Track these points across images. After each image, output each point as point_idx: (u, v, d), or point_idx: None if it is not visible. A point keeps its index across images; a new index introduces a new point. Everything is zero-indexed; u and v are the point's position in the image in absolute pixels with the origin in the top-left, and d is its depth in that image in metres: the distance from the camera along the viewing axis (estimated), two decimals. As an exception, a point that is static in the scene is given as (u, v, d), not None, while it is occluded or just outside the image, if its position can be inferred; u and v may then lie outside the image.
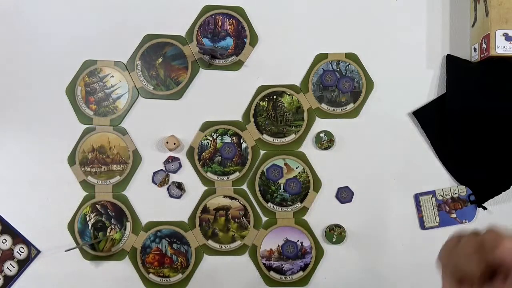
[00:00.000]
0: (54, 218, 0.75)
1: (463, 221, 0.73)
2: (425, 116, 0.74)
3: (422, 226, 0.73)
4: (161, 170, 0.75)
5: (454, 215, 0.73)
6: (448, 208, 0.73)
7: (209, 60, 0.77)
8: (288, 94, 0.76)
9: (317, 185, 0.74)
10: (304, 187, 0.74)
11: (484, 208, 0.73)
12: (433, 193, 0.74)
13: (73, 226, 0.75)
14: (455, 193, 0.73)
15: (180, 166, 0.75)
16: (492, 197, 0.72)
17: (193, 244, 0.74)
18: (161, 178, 0.75)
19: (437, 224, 0.73)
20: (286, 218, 0.74)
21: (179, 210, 0.75)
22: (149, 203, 0.75)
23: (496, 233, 0.37)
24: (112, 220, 0.75)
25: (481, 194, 0.73)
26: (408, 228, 0.74)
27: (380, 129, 0.75)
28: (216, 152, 0.75)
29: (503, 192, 0.72)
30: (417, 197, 0.74)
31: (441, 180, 0.74)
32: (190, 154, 0.75)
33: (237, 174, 0.75)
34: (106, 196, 0.75)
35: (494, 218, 0.73)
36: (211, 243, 0.74)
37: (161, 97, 0.76)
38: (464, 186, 0.73)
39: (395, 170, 0.74)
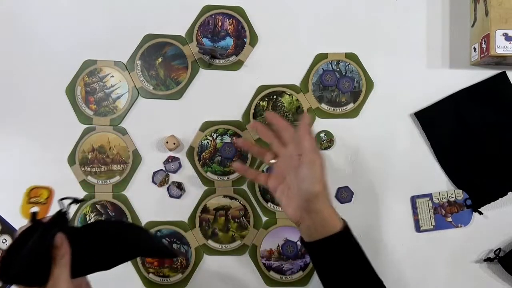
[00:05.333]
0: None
1: (459, 225, 0.73)
2: (427, 118, 0.74)
3: (418, 228, 0.73)
4: (161, 170, 0.75)
5: (449, 219, 0.73)
6: (444, 211, 0.73)
7: (209, 60, 0.77)
8: (288, 94, 0.76)
9: (317, 185, 0.74)
10: (304, 187, 0.74)
11: (480, 213, 0.72)
12: (429, 196, 0.73)
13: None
14: (452, 197, 0.73)
15: (180, 166, 0.75)
16: (489, 202, 0.73)
17: (193, 244, 0.74)
18: (161, 178, 0.75)
19: (432, 227, 0.73)
20: (286, 218, 0.74)
21: (179, 210, 0.75)
22: (149, 203, 0.75)
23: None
24: (112, 220, 0.75)
25: (478, 199, 0.73)
26: (403, 230, 0.74)
27: (380, 129, 0.75)
28: (216, 152, 0.75)
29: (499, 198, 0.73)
30: (413, 200, 0.73)
31: (438, 183, 0.74)
32: (190, 154, 0.75)
33: (237, 174, 0.75)
34: (106, 196, 0.75)
35: (490, 223, 0.73)
36: (211, 243, 0.74)
37: (161, 97, 0.76)
38: (460, 190, 0.73)
39: (393, 171, 0.74)
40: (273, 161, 0.61)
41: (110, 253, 0.50)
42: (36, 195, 0.71)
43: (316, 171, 0.53)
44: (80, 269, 0.47)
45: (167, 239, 0.74)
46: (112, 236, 0.50)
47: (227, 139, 0.75)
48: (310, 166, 0.53)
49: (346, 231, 0.56)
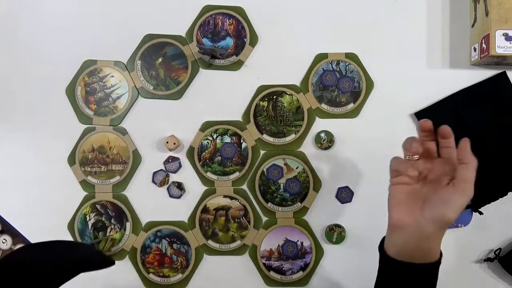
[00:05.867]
0: (54, 218, 0.75)
1: (459, 225, 0.73)
2: (427, 118, 0.73)
3: (419, 228, 0.73)
4: (161, 170, 0.75)
5: None
6: None
7: (209, 60, 0.77)
8: (288, 94, 0.76)
9: (317, 185, 0.74)
10: (304, 187, 0.74)
11: (480, 213, 0.72)
12: (430, 195, 0.73)
13: (73, 226, 0.75)
14: None
15: (180, 166, 0.75)
16: (489, 202, 0.72)
17: (193, 244, 0.74)
18: (161, 178, 0.75)
19: None
20: (286, 218, 0.74)
21: (179, 210, 0.75)
22: (149, 203, 0.75)
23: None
24: (112, 220, 0.75)
25: (478, 199, 0.72)
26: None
27: (380, 129, 0.75)
28: (216, 152, 0.75)
29: (499, 198, 0.73)
30: (415, 198, 0.73)
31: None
32: (190, 154, 0.75)
33: (237, 174, 0.75)
34: (106, 196, 0.75)
35: (490, 223, 0.73)
36: (211, 243, 0.74)
37: (161, 97, 0.76)
38: (461, 190, 0.73)
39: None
40: (416, 157, 0.53)
41: (45, 276, 0.50)
42: None
43: (463, 203, 0.49)
44: None
45: (167, 239, 0.74)
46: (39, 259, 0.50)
47: (227, 139, 0.75)
48: (461, 195, 0.48)
49: (439, 262, 0.51)
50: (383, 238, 0.55)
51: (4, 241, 0.75)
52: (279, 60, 0.76)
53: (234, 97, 0.76)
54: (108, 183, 0.75)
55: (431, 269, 0.50)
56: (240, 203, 0.75)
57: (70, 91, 0.76)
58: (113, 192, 0.75)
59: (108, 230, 0.75)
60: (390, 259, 0.51)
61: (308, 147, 0.75)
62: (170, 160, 0.75)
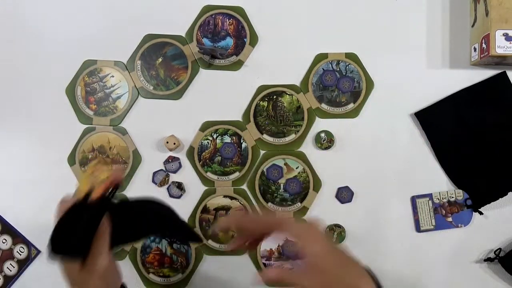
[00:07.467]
0: (54, 218, 0.75)
1: (459, 225, 0.73)
2: (427, 118, 0.74)
3: (418, 228, 0.73)
4: (161, 170, 0.75)
5: (450, 219, 0.73)
6: (444, 211, 0.73)
7: (209, 60, 0.77)
8: (288, 94, 0.76)
9: (317, 185, 0.74)
10: (304, 187, 0.74)
11: (481, 213, 0.72)
12: (429, 196, 0.73)
13: (73, 226, 0.75)
14: (452, 197, 0.73)
15: (180, 166, 0.75)
16: (489, 202, 0.73)
17: (193, 244, 0.74)
18: (161, 178, 0.75)
19: (432, 227, 0.73)
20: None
21: (179, 210, 0.74)
22: (149, 203, 0.75)
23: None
24: (112, 220, 0.75)
25: (478, 199, 0.73)
26: (403, 230, 0.74)
27: (379, 129, 0.75)
28: (216, 152, 0.75)
29: (499, 198, 0.73)
30: (413, 200, 0.73)
31: (438, 183, 0.74)
32: (190, 154, 0.75)
33: (237, 174, 0.75)
34: (106, 196, 0.75)
35: (490, 223, 0.73)
36: (211, 243, 0.74)
37: (161, 97, 0.76)
38: (461, 190, 0.73)
39: (394, 171, 0.74)
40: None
41: (142, 229, 0.57)
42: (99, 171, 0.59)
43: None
44: (114, 241, 0.53)
45: (167, 239, 0.74)
46: (146, 213, 0.56)
47: (227, 139, 0.75)
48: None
49: None
50: None
51: (4, 241, 0.75)
52: (279, 60, 0.76)
53: (234, 97, 0.76)
54: (108, 183, 0.75)
55: None
56: (240, 203, 0.75)
57: (70, 91, 0.77)
58: (113, 192, 0.75)
59: (108, 230, 0.75)
60: None
61: (308, 147, 0.75)
62: (170, 160, 0.75)
